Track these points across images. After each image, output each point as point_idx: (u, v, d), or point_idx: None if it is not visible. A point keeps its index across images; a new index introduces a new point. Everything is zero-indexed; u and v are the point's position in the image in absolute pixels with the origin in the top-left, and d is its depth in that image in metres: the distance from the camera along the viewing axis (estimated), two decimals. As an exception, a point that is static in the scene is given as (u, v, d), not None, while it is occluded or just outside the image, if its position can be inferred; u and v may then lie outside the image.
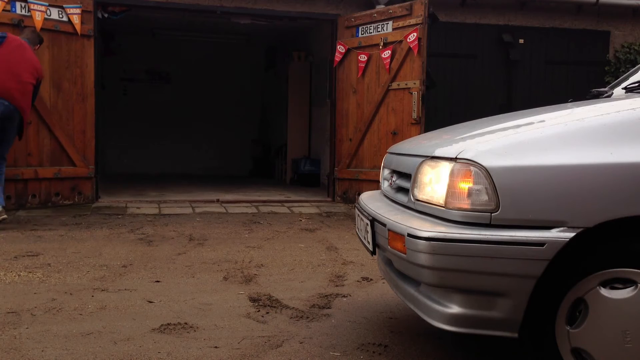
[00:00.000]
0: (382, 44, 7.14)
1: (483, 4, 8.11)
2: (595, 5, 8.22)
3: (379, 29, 7.25)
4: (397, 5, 7.06)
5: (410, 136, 6.53)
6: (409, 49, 6.86)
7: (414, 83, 6.83)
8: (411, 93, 6.80)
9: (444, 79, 8.13)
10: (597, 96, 3.10)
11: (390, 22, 7.12)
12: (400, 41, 6.96)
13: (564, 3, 8.28)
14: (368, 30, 7.39)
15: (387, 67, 7.08)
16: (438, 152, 2.45)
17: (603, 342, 2.20)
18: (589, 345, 2.22)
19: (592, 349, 2.22)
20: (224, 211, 7.04)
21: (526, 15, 8.30)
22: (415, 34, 6.76)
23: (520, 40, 8.30)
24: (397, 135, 6.92)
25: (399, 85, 7.01)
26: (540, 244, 2.15)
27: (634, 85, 2.94)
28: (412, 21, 6.85)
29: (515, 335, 2.27)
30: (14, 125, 5.85)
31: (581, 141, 2.24)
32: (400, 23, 6.99)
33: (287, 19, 8.04)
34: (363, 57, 7.38)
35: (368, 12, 7.43)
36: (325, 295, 3.77)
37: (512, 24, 8.29)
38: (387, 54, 7.08)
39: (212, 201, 7.59)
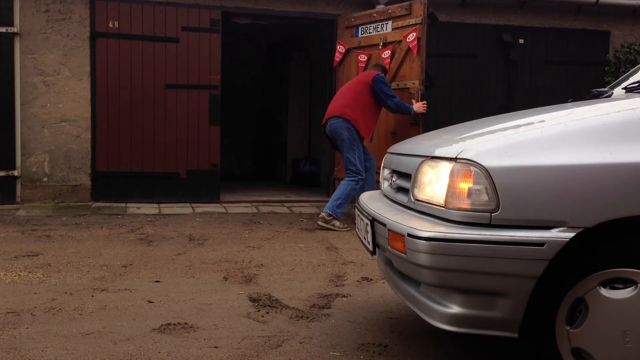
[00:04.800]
0: (381, 44, 7.13)
1: (483, 4, 8.11)
2: (595, 5, 8.22)
3: (379, 29, 7.24)
4: (396, 5, 7.05)
5: (409, 136, 6.49)
6: (408, 49, 6.84)
7: (413, 83, 6.81)
8: (410, 93, 6.78)
9: (444, 79, 8.13)
10: (597, 96, 3.10)
11: (390, 22, 7.11)
12: (400, 41, 6.95)
13: (564, 3, 8.27)
14: (368, 30, 7.38)
15: (387, 67, 7.07)
16: (438, 152, 2.45)
17: (603, 342, 2.20)
18: (589, 345, 2.22)
19: (592, 349, 2.22)
20: (224, 211, 7.04)
21: (526, 15, 8.30)
22: (414, 34, 6.74)
23: (520, 40, 8.29)
24: (396, 136, 6.90)
25: (398, 85, 6.99)
26: (540, 244, 2.16)
27: (634, 85, 2.94)
28: (412, 21, 6.83)
29: (515, 335, 2.27)
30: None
31: (581, 141, 2.24)
32: (400, 23, 6.98)
33: (287, 19, 8.04)
34: (363, 57, 7.37)
35: (368, 12, 7.42)
36: (325, 295, 3.77)
37: (512, 24, 8.28)
38: (386, 54, 7.06)
39: (212, 201, 7.58)
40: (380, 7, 7.39)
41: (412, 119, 6.66)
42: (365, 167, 6.36)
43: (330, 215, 6.12)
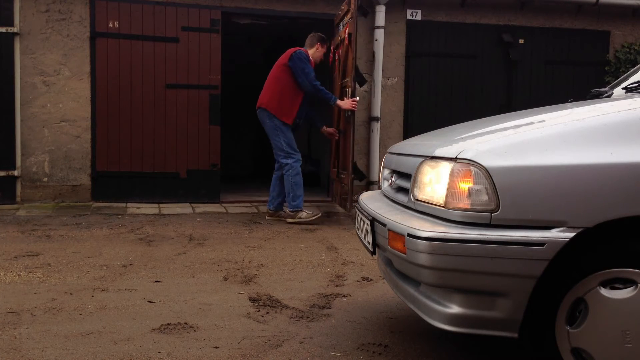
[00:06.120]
0: (339, 41, 7.05)
1: (483, 4, 8.11)
2: (595, 5, 8.22)
3: (342, 26, 7.16)
4: (345, 2, 6.91)
5: (348, 134, 6.53)
6: (346, 45, 6.74)
7: (347, 80, 6.73)
8: (345, 90, 6.71)
9: (444, 79, 8.13)
10: (597, 96, 3.10)
11: (345, 19, 7.02)
12: (344, 38, 6.84)
13: (564, 3, 8.27)
14: (339, 28, 7.31)
15: (339, 64, 6.99)
16: (438, 152, 2.45)
17: (603, 342, 2.20)
18: (589, 345, 2.22)
19: (592, 349, 2.22)
20: (224, 211, 7.04)
21: (526, 15, 8.30)
22: (347, 29, 6.65)
23: (520, 40, 8.28)
24: (344, 135, 6.80)
25: (343, 83, 6.89)
26: (540, 244, 2.16)
27: (634, 85, 2.94)
28: (349, 16, 6.70)
29: (515, 335, 2.27)
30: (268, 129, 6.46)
31: (581, 141, 2.24)
32: (346, 19, 6.82)
33: (287, 19, 8.04)
34: (336, 56, 7.31)
35: (340, 10, 7.26)
36: (325, 295, 3.77)
37: (512, 24, 8.28)
38: (341, 51, 6.97)
39: (212, 201, 7.58)
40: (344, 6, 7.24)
41: (345, 116, 6.58)
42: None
43: (292, 210, 6.34)
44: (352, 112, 6.44)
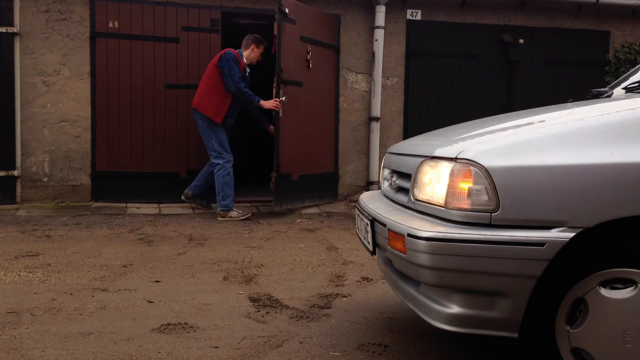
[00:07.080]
0: None
1: (483, 4, 8.11)
2: (595, 5, 8.22)
3: None
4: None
5: (282, 134, 6.66)
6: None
7: (274, 81, 6.78)
8: (274, 89, 6.76)
9: (444, 79, 8.13)
10: (597, 96, 3.10)
11: None
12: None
13: (564, 3, 8.27)
14: None
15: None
16: (438, 152, 2.45)
17: (603, 342, 2.20)
18: (589, 345, 2.22)
19: (592, 349, 2.22)
20: (224, 211, 7.03)
21: (526, 15, 8.30)
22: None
23: (520, 40, 8.28)
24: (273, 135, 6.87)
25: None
26: (540, 244, 2.16)
27: (634, 85, 2.94)
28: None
29: (515, 335, 2.27)
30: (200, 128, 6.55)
31: (581, 141, 2.24)
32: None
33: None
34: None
35: None
36: (325, 295, 3.77)
37: (512, 24, 8.28)
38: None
39: (212, 201, 7.57)
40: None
41: (272, 115, 6.65)
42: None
43: (223, 210, 6.45)
44: (277, 112, 6.54)
